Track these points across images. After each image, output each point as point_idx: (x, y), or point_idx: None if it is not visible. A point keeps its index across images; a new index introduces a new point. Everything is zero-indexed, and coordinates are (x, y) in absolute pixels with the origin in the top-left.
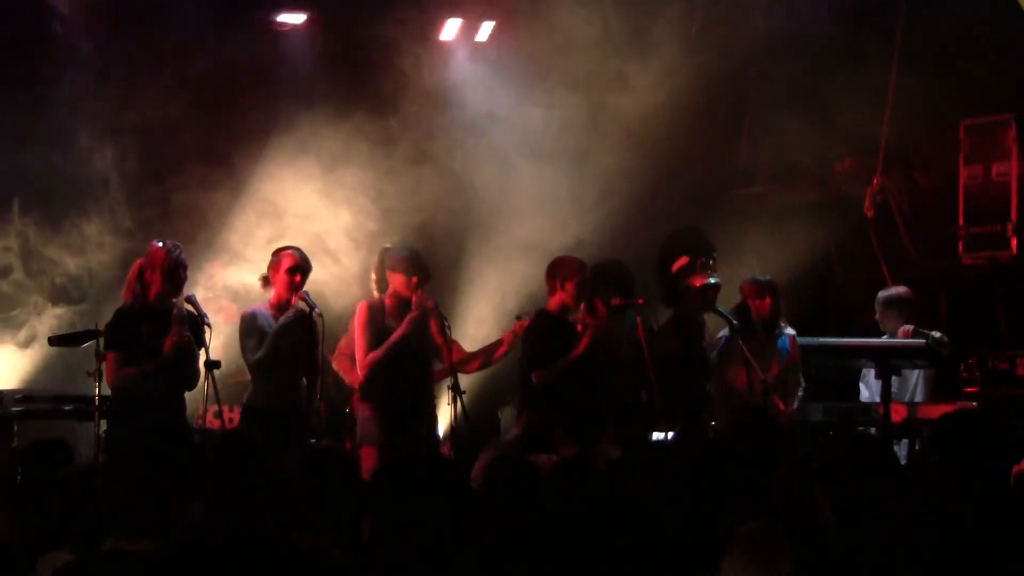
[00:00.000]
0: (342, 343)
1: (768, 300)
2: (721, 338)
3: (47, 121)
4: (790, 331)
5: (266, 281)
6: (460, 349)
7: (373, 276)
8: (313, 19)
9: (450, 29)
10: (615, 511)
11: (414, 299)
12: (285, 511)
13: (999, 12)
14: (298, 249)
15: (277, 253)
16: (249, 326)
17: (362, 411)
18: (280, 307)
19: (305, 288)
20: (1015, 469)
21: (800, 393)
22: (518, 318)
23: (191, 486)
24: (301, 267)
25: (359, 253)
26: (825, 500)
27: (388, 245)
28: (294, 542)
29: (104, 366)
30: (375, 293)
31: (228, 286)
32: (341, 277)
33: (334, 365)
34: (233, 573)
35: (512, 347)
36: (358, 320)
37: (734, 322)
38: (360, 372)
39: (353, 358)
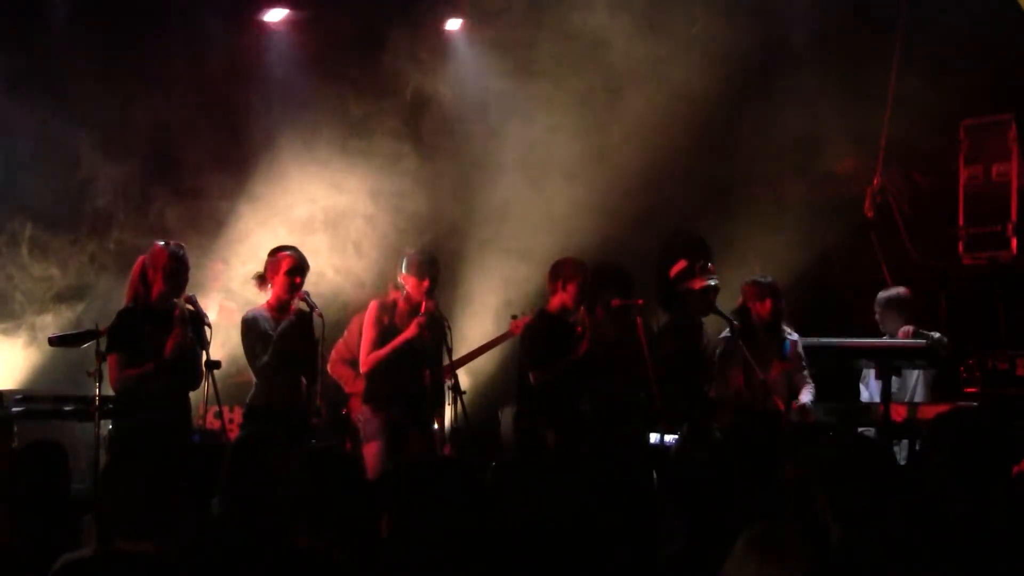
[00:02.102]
0: (340, 346)
1: (769, 302)
2: (723, 339)
3: (50, 121)
4: (793, 335)
5: (262, 280)
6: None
7: (394, 279)
8: (315, 18)
9: (448, 31)
10: (619, 512)
11: (424, 304)
12: (286, 512)
13: (999, 12)
14: (296, 249)
15: (275, 253)
16: (252, 331)
17: (363, 413)
18: (279, 307)
19: (305, 288)
20: (1015, 469)
21: (810, 393)
22: (514, 317)
23: (192, 486)
24: (300, 268)
25: (363, 253)
26: (826, 501)
27: (410, 249)
28: (294, 543)
29: (104, 366)
30: (392, 293)
31: (233, 289)
32: (341, 278)
33: (331, 371)
34: (234, 574)
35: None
36: (368, 317)
37: (735, 323)
38: (362, 367)
39: (350, 362)
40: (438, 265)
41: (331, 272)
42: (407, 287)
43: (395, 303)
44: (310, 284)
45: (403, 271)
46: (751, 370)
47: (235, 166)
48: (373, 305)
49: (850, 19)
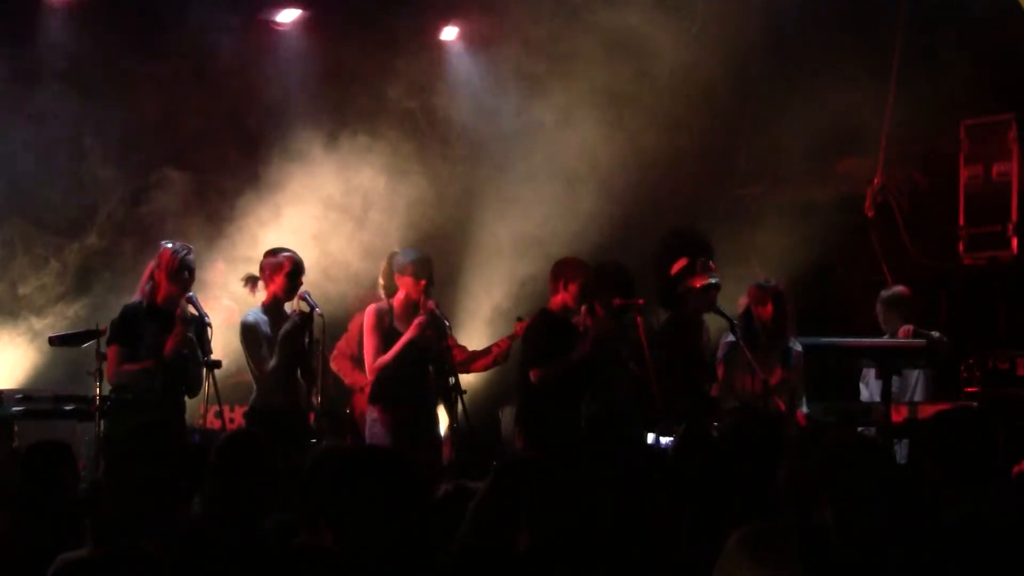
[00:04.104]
0: (341, 343)
1: (769, 306)
2: (726, 343)
3: (51, 122)
4: (798, 347)
5: (253, 282)
6: (463, 350)
7: (381, 281)
8: (315, 19)
9: (450, 33)
10: (617, 513)
11: (423, 303)
12: (290, 511)
13: (999, 12)
14: (292, 251)
15: (276, 255)
16: (255, 334)
17: (370, 413)
18: (274, 309)
19: (306, 288)
20: (1015, 469)
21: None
22: (519, 319)
23: (191, 485)
24: (301, 270)
25: (363, 255)
26: (826, 501)
27: (396, 250)
28: (297, 542)
29: (104, 366)
30: (382, 297)
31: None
32: (343, 278)
33: (333, 366)
34: (235, 573)
35: (510, 348)
36: (367, 324)
37: (734, 322)
38: (369, 375)
39: (353, 358)
40: (432, 264)
41: (349, 268)
42: (403, 288)
43: (391, 306)
44: (332, 283)
45: (397, 272)
46: (754, 371)
47: (241, 166)
48: (371, 310)
49: (851, 19)
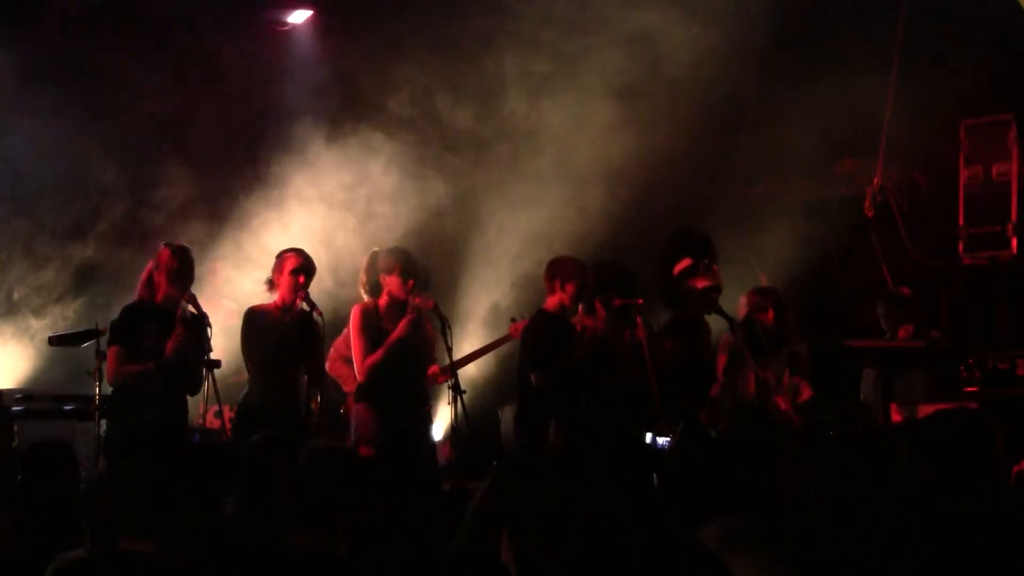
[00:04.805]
0: (339, 344)
1: (771, 312)
2: (728, 342)
3: (56, 124)
4: (803, 348)
5: (271, 284)
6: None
7: (363, 279)
8: (320, 20)
9: (454, 33)
10: (614, 512)
11: (411, 301)
12: (291, 510)
13: (998, 12)
14: (301, 251)
15: (281, 255)
16: (251, 325)
17: (358, 411)
18: (284, 308)
19: (309, 289)
20: (1015, 469)
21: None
22: (513, 320)
23: (192, 485)
24: (305, 268)
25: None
26: (821, 500)
27: (377, 248)
28: (298, 540)
29: (104, 365)
30: (364, 296)
31: (241, 290)
32: (348, 278)
33: (329, 369)
34: (237, 572)
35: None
36: (353, 324)
37: (735, 321)
38: (359, 376)
39: (348, 360)
40: (417, 261)
41: (354, 268)
42: (389, 287)
43: (376, 305)
44: (337, 282)
45: (382, 272)
46: (754, 371)
47: (245, 167)
48: (356, 311)
49: (851, 20)
